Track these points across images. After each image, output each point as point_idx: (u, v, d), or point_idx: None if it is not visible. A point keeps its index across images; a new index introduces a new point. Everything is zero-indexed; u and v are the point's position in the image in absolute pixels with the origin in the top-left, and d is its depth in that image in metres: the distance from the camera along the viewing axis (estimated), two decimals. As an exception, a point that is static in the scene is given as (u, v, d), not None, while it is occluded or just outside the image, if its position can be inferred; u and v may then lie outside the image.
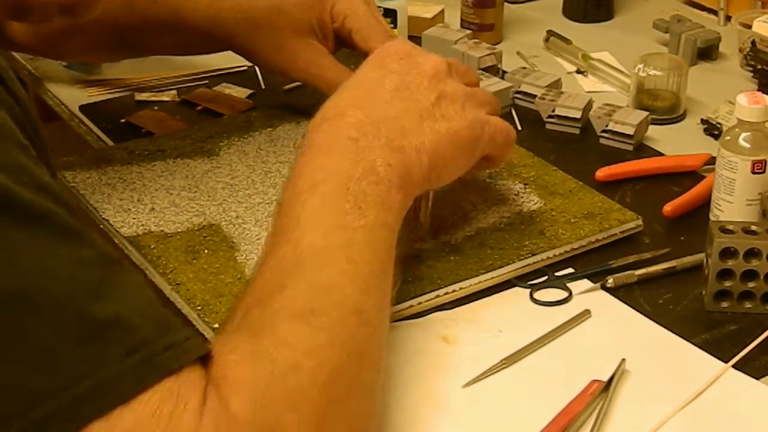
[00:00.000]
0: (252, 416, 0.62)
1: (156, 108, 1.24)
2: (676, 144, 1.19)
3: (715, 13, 1.50)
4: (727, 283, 0.91)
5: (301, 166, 0.80)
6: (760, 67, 1.29)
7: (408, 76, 0.88)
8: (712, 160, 1.08)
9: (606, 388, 0.81)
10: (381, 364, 0.73)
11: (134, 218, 0.99)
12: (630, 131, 1.16)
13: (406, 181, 0.82)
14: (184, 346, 0.62)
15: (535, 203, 1.02)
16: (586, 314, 0.90)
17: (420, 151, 0.83)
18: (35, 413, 0.56)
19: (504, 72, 1.30)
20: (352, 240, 0.75)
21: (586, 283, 0.94)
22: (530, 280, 0.94)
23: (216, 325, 0.85)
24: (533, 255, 0.95)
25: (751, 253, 0.91)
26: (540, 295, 0.93)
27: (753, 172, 0.98)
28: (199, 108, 1.24)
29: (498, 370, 0.84)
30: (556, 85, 1.26)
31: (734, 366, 0.85)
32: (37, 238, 0.58)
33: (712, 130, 1.20)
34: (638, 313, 0.91)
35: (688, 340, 0.88)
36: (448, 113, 0.87)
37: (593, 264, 0.97)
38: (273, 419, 0.62)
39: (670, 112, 1.24)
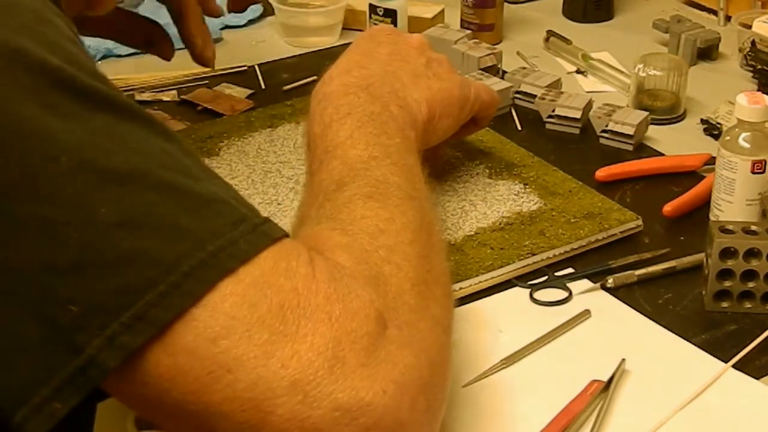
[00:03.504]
0: (356, 268, 0.68)
1: (156, 108, 1.24)
2: (676, 144, 1.18)
3: (715, 13, 1.49)
4: (727, 283, 0.91)
5: (323, 108, 0.86)
6: (760, 67, 1.29)
7: (397, 45, 0.96)
8: (712, 160, 1.08)
9: (606, 388, 0.81)
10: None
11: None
12: (630, 131, 1.16)
13: (414, 126, 0.89)
14: (273, 223, 0.66)
15: (535, 203, 1.02)
16: (586, 314, 0.90)
17: (419, 102, 0.91)
18: (170, 278, 0.59)
19: (504, 72, 1.30)
20: (389, 151, 0.82)
21: (586, 283, 0.94)
22: (530, 280, 0.94)
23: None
24: (533, 255, 0.95)
25: (751, 253, 0.91)
26: (540, 295, 0.93)
27: (753, 172, 0.98)
28: (199, 108, 1.24)
29: (498, 370, 0.84)
30: (556, 85, 1.26)
31: (734, 366, 0.85)
32: (137, 129, 0.63)
33: (712, 130, 1.20)
34: (638, 313, 0.91)
35: (688, 340, 0.88)
36: (438, 74, 0.95)
37: (593, 264, 0.97)
38: (374, 271, 0.69)
39: (670, 112, 1.24)
